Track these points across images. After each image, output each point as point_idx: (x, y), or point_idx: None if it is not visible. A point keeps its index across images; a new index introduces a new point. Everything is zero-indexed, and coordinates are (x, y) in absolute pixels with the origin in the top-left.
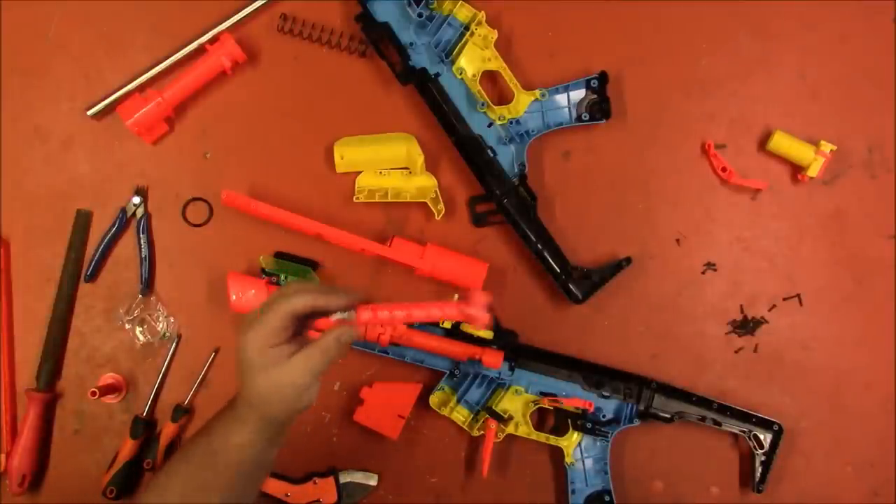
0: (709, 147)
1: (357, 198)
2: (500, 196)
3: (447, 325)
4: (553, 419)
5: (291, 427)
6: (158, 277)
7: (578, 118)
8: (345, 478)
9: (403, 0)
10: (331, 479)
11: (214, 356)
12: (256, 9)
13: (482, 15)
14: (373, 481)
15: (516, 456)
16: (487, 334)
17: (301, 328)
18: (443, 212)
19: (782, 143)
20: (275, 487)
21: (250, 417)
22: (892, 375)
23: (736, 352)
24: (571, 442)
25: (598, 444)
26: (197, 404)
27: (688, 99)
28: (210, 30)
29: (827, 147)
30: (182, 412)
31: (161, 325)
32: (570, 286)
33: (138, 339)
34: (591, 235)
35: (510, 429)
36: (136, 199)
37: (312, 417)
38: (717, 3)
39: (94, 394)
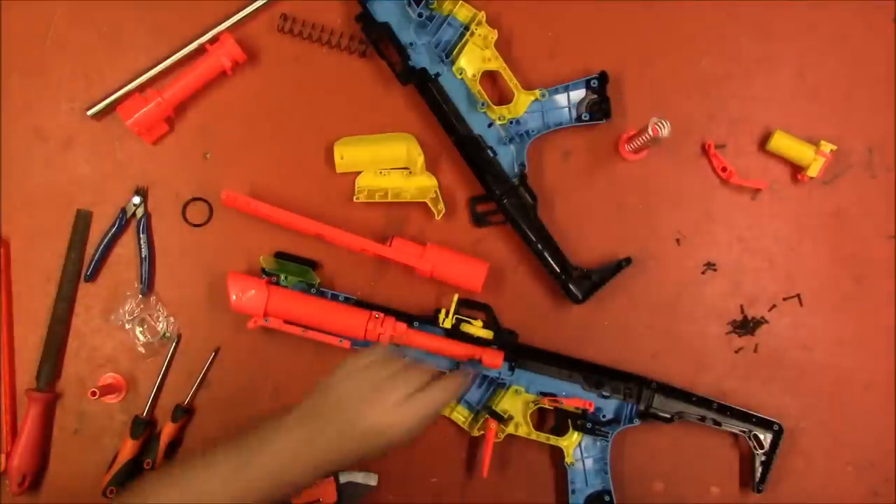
0: (709, 147)
1: (357, 198)
2: (500, 196)
3: (447, 324)
4: (553, 419)
5: None
6: (158, 277)
7: (578, 118)
8: (345, 478)
9: (403, 0)
10: (331, 480)
11: (214, 356)
12: (256, 9)
13: (482, 15)
14: (373, 481)
15: (516, 456)
16: (487, 334)
17: None
18: (443, 212)
19: (782, 143)
20: None
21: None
22: (892, 375)
23: (736, 352)
24: (571, 442)
25: (598, 444)
26: (197, 404)
27: (688, 99)
28: (210, 30)
29: (827, 147)
30: (182, 412)
31: (161, 325)
32: (570, 286)
33: (138, 339)
34: (591, 235)
35: (510, 429)
36: (136, 199)
37: None
38: (717, 3)
39: (94, 394)
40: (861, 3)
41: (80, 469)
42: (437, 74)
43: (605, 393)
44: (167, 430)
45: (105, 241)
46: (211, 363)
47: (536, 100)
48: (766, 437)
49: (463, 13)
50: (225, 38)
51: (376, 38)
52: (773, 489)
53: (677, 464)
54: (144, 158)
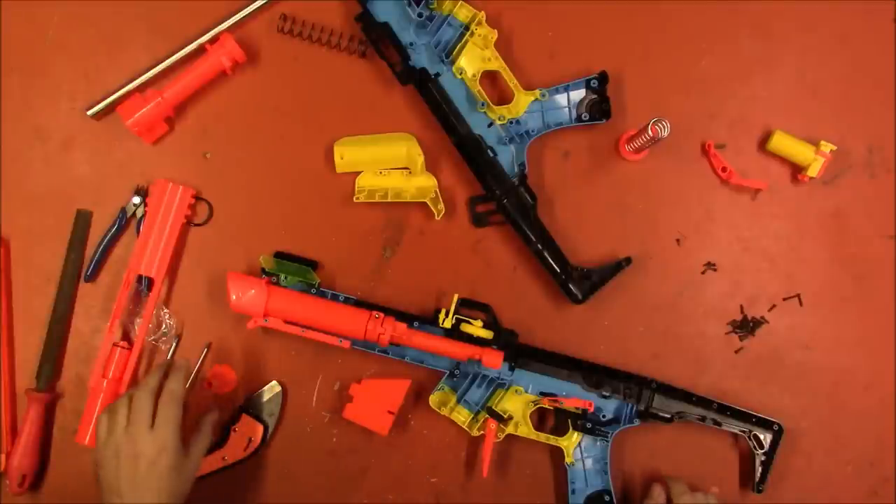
0: (709, 147)
1: (357, 198)
2: (500, 196)
3: (447, 324)
4: (553, 419)
5: (291, 427)
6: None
7: (578, 118)
8: (253, 405)
9: (403, 0)
10: (245, 417)
11: (207, 351)
12: (256, 9)
13: (482, 15)
14: (277, 388)
15: (516, 456)
16: (487, 334)
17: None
18: (443, 212)
19: (782, 143)
20: (210, 464)
21: None
22: (892, 375)
23: (736, 352)
24: (571, 442)
25: (598, 444)
26: (191, 401)
27: (688, 99)
28: (210, 30)
29: (827, 147)
30: None
31: (161, 325)
32: (570, 286)
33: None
34: (591, 235)
35: (510, 429)
36: (136, 199)
37: (312, 418)
38: (717, 3)
39: (208, 385)
40: (861, 3)
41: (80, 469)
42: (437, 74)
43: (605, 393)
44: None
45: (105, 241)
46: (203, 358)
47: (536, 100)
48: (766, 437)
49: (463, 13)
50: (225, 38)
51: (376, 38)
52: (773, 489)
53: (677, 464)
54: (144, 158)
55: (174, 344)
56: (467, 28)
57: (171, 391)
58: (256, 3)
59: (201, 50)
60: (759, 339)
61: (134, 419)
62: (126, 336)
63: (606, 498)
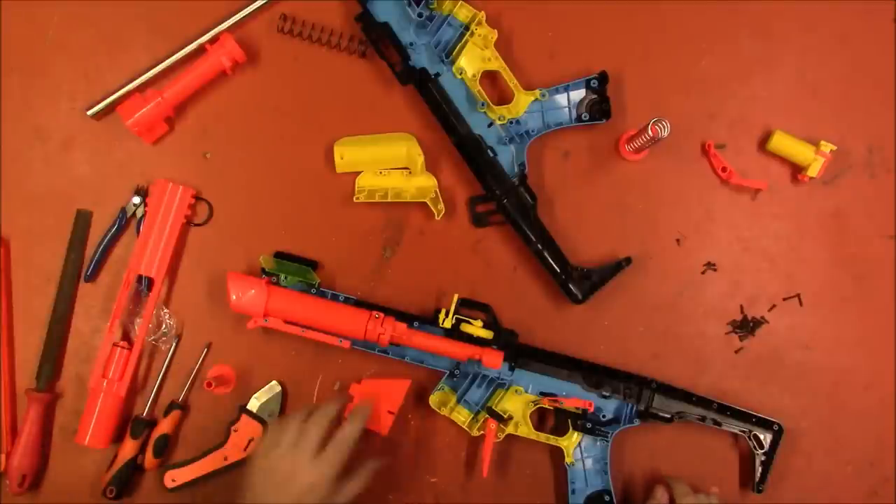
0: (709, 147)
1: (357, 198)
2: (500, 196)
3: (447, 324)
4: (553, 419)
5: None
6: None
7: (578, 118)
8: (253, 405)
9: (403, 0)
10: (245, 417)
11: (207, 351)
12: (256, 9)
13: (482, 15)
14: (277, 388)
15: (516, 456)
16: (487, 334)
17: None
18: (443, 212)
19: (782, 143)
20: (211, 463)
21: None
22: (892, 375)
23: (736, 352)
24: (571, 442)
25: (598, 444)
26: (195, 403)
27: (688, 99)
28: (210, 30)
29: (827, 147)
30: (175, 408)
31: (161, 325)
32: (570, 286)
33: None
34: (591, 235)
35: (510, 429)
36: (136, 199)
37: None
38: (717, 3)
39: (209, 385)
40: (861, 3)
41: (80, 469)
42: (437, 74)
43: (605, 393)
44: (158, 426)
45: (105, 241)
46: (203, 358)
47: (536, 100)
48: (766, 437)
49: (463, 13)
50: (225, 38)
51: (376, 38)
52: (773, 489)
53: (677, 464)
54: (144, 158)
55: (174, 344)
56: (467, 28)
57: (347, 434)
58: (256, 3)
59: (201, 50)
60: (759, 339)
61: (301, 443)
62: (126, 336)
63: (606, 498)
